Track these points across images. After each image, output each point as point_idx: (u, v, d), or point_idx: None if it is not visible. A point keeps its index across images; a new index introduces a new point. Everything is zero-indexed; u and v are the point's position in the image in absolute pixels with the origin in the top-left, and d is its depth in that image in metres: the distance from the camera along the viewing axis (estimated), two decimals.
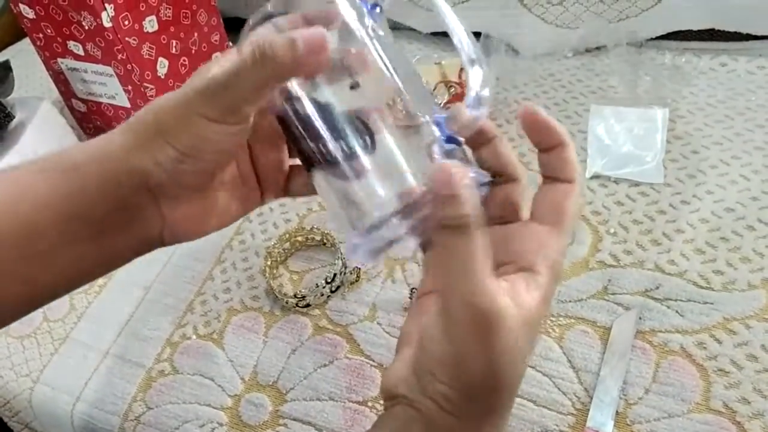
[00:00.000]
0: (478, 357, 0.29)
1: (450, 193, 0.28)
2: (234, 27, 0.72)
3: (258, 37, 0.34)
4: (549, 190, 0.34)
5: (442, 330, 0.30)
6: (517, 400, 0.51)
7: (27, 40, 0.87)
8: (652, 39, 0.82)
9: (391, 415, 0.33)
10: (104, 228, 0.37)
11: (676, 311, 0.54)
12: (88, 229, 0.36)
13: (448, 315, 0.30)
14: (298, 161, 0.39)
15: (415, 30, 0.92)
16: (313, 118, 0.34)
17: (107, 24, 0.69)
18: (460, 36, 0.32)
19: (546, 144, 0.34)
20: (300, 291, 0.60)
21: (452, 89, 0.78)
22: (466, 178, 0.28)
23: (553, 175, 0.34)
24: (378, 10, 0.37)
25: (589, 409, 0.49)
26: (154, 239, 0.39)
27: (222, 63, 0.34)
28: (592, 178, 0.67)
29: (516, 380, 0.32)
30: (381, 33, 0.36)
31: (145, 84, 0.76)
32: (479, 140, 0.36)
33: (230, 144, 0.37)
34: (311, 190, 0.39)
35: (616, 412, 0.49)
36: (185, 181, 0.37)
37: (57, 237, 0.35)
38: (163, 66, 0.77)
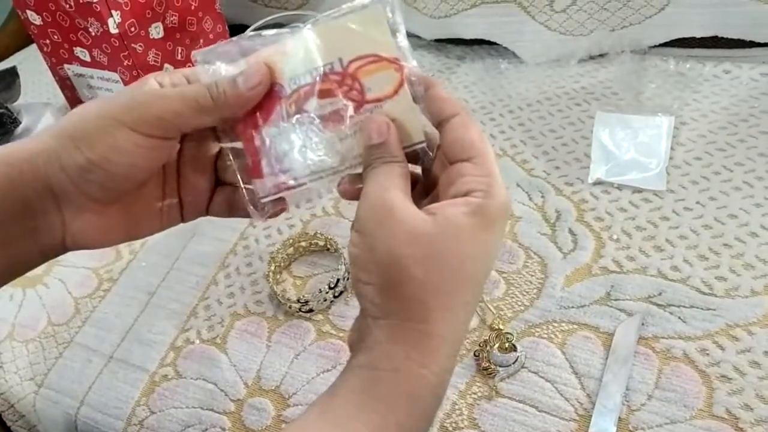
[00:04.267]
0: (380, 239, 0.33)
1: (380, 141, 0.36)
2: (239, 34, 0.72)
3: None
4: (445, 132, 0.36)
5: (354, 227, 0.35)
6: (519, 405, 0.51)
7: (34, 46, 0.88)
8: (655, 46, 0.82)
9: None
10: (5, 233, 0.37)
11: (679, 317, 0.54)
12: None
13: (357, 213, 0.35)
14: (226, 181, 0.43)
15: (418, 37, 0.92)
16: None
17: (114, 30, 0.70)
18: None
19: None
20: (303, 296, 0.61)
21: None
22: (392, 127, 0.36)
23: (439, 118, 0.36)
24: None
25: (591, 415, 0.49)
26: (56, 246, 0.39)
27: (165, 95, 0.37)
28: (595, 184, 0.67)
29: (436, 278, 0.33)
30: None
31: None
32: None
33: (147, 161, 0.37)
34: (230, 211, 0.43)
35: (619, 418, 0.48)
36: (90, 192, 0.37)
37: None
38: None
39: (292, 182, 0.39)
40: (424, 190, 0.39)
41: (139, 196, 0.40)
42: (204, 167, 0.42)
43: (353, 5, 0.37)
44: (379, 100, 0.37)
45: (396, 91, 0.37)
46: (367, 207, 0.34)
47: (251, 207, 0.41)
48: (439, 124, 0.37)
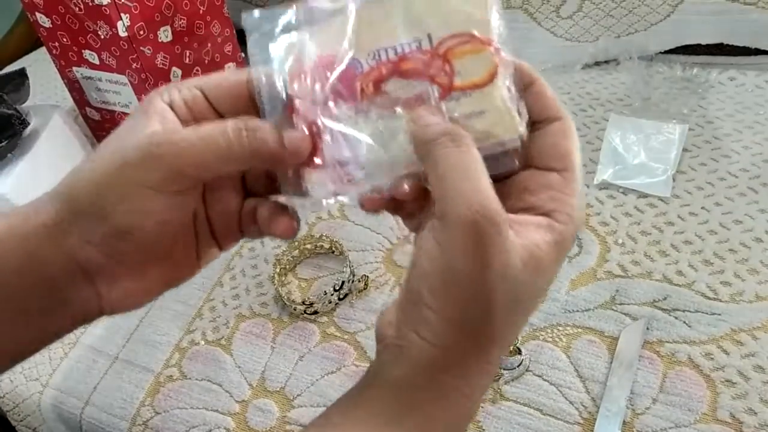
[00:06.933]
0: (471, 264, 0.28)
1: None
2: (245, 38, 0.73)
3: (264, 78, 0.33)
4: (542, 134, 0.32)
5: (437, 238, 0.28)
6: (524, 408, 0.51)
7: (43, 49, 0.89)
8: (661, 53, 0.82)
9: (376, 357, 0.32)
10: (31, 312, 0.32)
11: (684, 322, 0.54)
12: (10, 314, 0.32)
13: (445, 219, 0.28)
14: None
15: None
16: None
17: (123, 33, 0.71)
18: None
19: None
20: (308, 298, 0.61)
21: None
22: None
23: (539, 118, 0.32)
24: None
25: (596, 419, 0.49)
26: (92, 315, 0.34)
27: (186, 135, 0.30)
28: (600, 188, 0.67)
29: (511, 318, 0.30)
30: None
31: None
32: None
33: (178, 214, 0.33)
34: (264, 230, 0.36)
35: (623, 421, 0.49)
36: (124, 259, 0.32)
37: None
38: (176, 76, 0.78)
39: (359, 174, 0.32)
40: None
41: (174, 244, 0.35)
42: (231, 181, 0.36)
43: None
44: (468, 88, 0.31)
45: (490, 79, 0.31)
46: (459, 218, 0.28)
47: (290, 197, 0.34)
48: (536, 124, 0.32)
